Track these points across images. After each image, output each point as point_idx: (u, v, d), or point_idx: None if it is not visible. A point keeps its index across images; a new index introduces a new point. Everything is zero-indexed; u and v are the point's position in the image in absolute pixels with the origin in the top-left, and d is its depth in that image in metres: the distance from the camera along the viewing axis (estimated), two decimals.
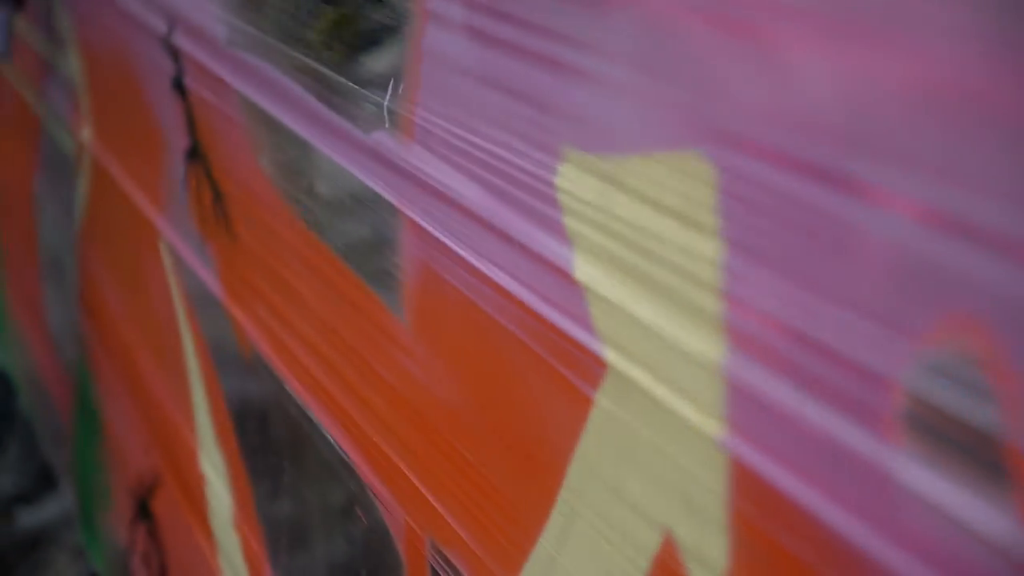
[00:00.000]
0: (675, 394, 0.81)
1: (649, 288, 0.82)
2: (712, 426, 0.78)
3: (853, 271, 0.66)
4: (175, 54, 1.70)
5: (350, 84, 1.23)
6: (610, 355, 0.87)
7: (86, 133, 2.34)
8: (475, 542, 1.11)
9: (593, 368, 0.89)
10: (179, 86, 1.70)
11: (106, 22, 2.06)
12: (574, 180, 0.88)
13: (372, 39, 1.19)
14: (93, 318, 2.47)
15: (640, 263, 0.82)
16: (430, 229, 1.09)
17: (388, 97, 1.14)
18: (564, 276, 0.91)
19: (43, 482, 3.71)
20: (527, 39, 0.91)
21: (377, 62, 1.22)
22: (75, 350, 2.68)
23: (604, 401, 0.88)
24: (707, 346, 0.77)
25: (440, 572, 1.18)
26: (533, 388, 0.98)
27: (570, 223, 0.89)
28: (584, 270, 0.89)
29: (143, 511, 2.28)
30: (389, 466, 1.27)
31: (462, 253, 1.04)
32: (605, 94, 0.84)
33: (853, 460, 0.67)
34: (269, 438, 1.65)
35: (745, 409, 0.75)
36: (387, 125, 1.14)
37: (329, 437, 1.41)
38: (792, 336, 0.71)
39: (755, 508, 0.75)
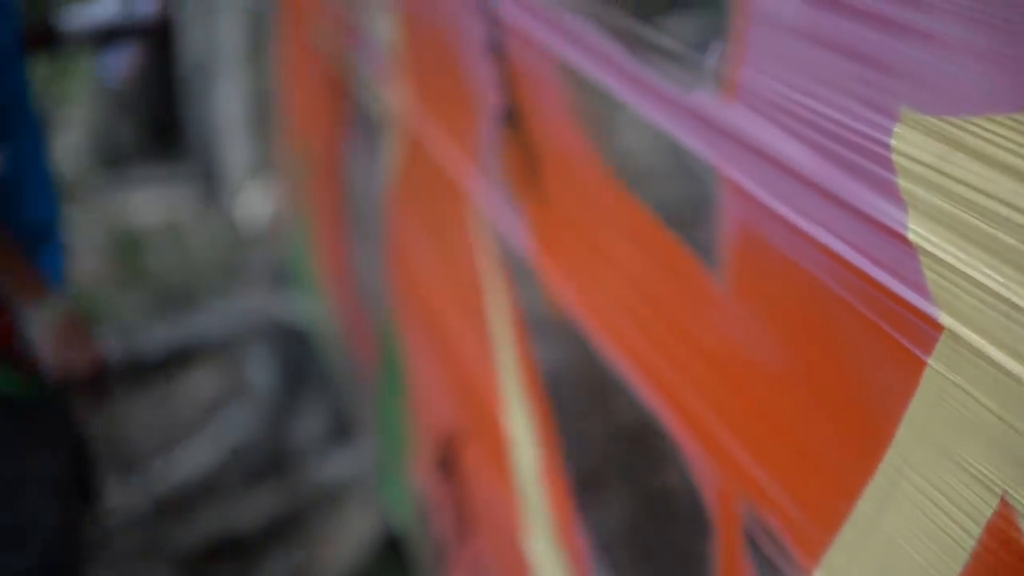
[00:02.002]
0: (1016, 360, 0.80)
1: (990, 252, 0.81)
2: None
3: None
4: (491, 17, 1.73)
5: (672, 44, 1.24)
6: (945, 319, 0.86)
7: (396, 97, 2.40)
8: (791, 503, 1.11)
9: (926, 332, 0.88)
10: (494, 49, 1.74)
11: None
12: (910, 141, 0.87)
13: (697, 1, 1.20)
14: (400, 277, 2.54)
15: (981, 226, 0.81)
16: (753, 190, 1.09)
17: (712, 57, 1.14)
18: (896, 238, 0.90)
19: (338, 436, 3.84)
20: (865, 0, 0.90)
21: (699, 22, 1.22)
22: (381, 308, 2.76)
23: (937, 365, 0.88)
24: None
25: (754, 532, 1.18)
26: (860, 351, 0.98)
27: (904, 184, 0.88)
28: (918, 232, 0.88)
29: (445, 465, 2.34)
30: (701, 426, 1.28)
31: (787, 214, 1.04)
32: (947, 54, 0.83)
33: None
34: (577, 396, 1.68)
35: None
36: (710, 85, 1.15)
37: (639, 396, 1.43)
38: None
39: None
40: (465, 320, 2.09)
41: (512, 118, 1.72)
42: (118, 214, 6.81)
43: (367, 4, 2.59)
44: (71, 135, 7.52)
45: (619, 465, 1.59)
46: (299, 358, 4.14)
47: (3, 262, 2.29)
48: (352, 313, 3.21)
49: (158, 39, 8.91)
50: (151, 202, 7.13)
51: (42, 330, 2.30)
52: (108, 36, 2.77)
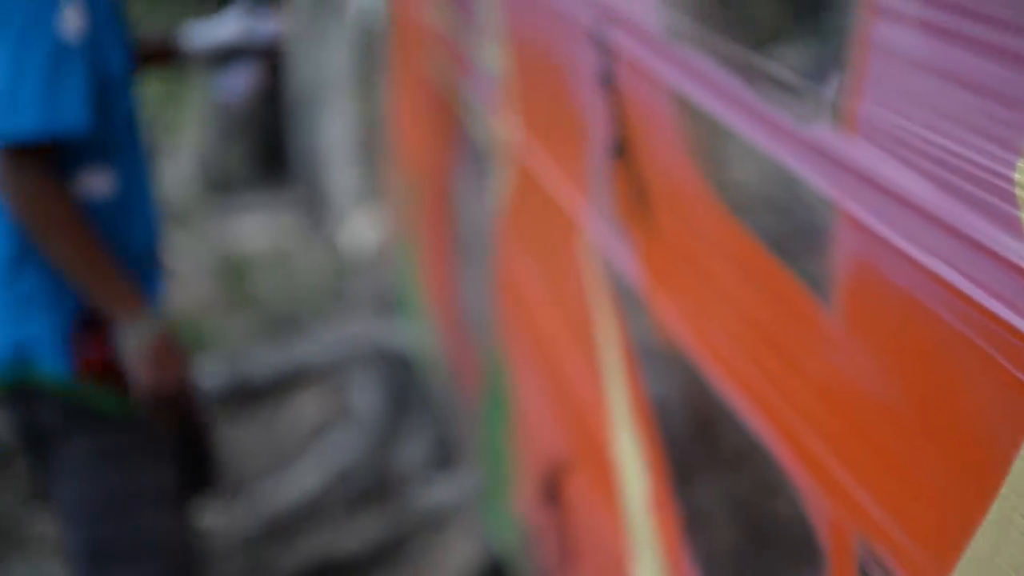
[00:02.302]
0: None
1: None
2: None
3: None
4: (603, 47, 1.74)
5: (787, 74, 1.24)
6: None
7: (505, 126, 2.42)
8: (906, 538, 1.11)
9: None
10: (606, 79, 1.75)
11: (535, 17, 2.13)
12: None
13: (813, 32, 1.20)
14: (508, 305, 2.56)
15: None
16: (870, 222, 1.09)
17: (830, 88, 1.15)
18: (1017, 272, 0.90)
19: (441, 462, 3.86)
20: (987, 33, 0.90)
21: (816, 53, 1.22)
22: (487, 335, 2.78)
23: None
24: None
25: (867, 566, 1.18)
26: (976, 385, 0.97)
27: None
28: None
29: (551, 493, 2.35)
30: (813, 458, 1.28)
31: (905, 248, 1.04)
32: None
33: None
34: (686, 425, 1.68)
35: None
36: (827, 117, 1.15)
37: (749, 427, 1.43)
38: None
39: None
40: (574, 348, 2.10)
41: (623, 148, 1.72)
42: (225, 239, 6.90)
43: (477, 34, 2.61)
44: (180, 161, 7.64)
45: (729, 496, 1.59)
46: (403, 384, 4.17)
47: (102, 280, 2.34)
48: (458, 340, 3.23)
49: (270, 63, 9.00)
50: (258, 228, 7.21)
51: (134, 348, 2.35)
52: (228, 55, 2.79)
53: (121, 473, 2.44)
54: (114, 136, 2.43)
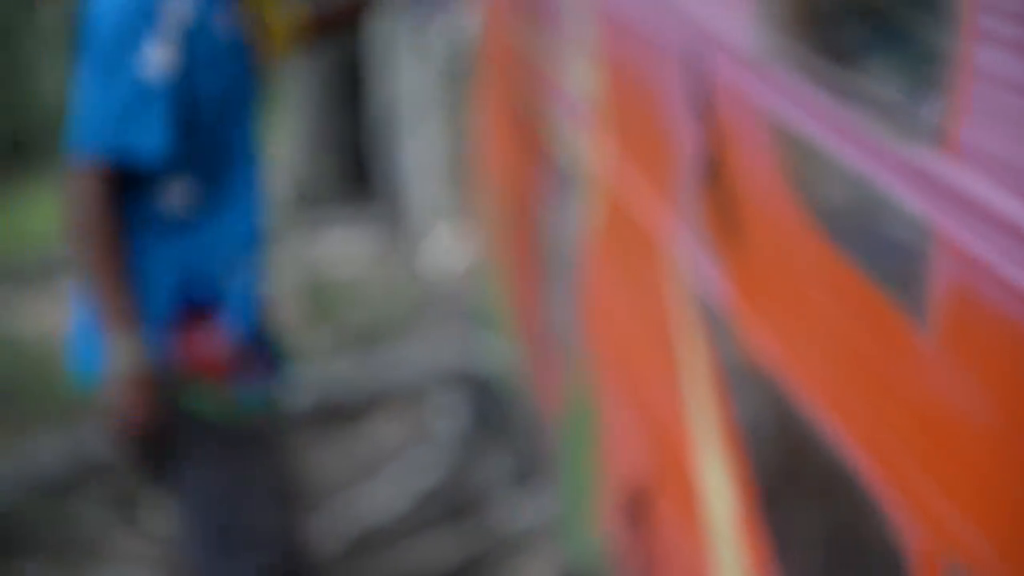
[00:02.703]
0: None
1: None
2: None
3: None
4: (695, 70, 1.74)
5: (887, 97, 1.24)
6: None
7: (594, 146, 2.43)
8: (1003, 566, 1.09)
9: None
10: (698, 101, 1.75)
11: (625, 40, 2.14)
12: None
13: (914, 54, 1.20)
14: (594, 326, 2.56)
15: None
16: (971, 246, 1.09)
17: (930, 111, 1.14)
18: None
19: (523, 483, 3.86)
20: None
21: (917, 76, 1.22)
22: (572, 356, 2.78)
23: None
24: None
25: None
26: None
27: None
28: None
29: (634, 515, 2.34)
30: (906, 483, 1.27)
31: (1006, 272, 1.03)
32: None
33: None
34: (776, 448, 1.67)
35: None
36: (927, 139, 1.15)
37: (840, 450, 1.42)
38: None
39: None
40: (661, 370, 2.09)
41: (715, 170, 1.72)
42: (309, 255, 6.94)
43: (567, 55, 2.62)
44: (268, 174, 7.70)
45: (818, 520, 1.58)
46: (486, 404, 4.17)
47: (105, 293, 2.49)
48: (541, 361, 3.24)
49: (351, 80, 9.05)
50: (341, 244, 7.26)
51: (113, 369, 2.48)
52: None
53: (231, 469, 2.57)
54: (203, 156, 2.54)
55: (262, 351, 2.70)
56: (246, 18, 2.66)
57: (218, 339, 2.59)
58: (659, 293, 2.05)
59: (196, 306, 2.60)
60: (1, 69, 21.41)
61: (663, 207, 2.00)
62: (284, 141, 7.73)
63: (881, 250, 1.34)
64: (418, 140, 7.15)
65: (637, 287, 2.21)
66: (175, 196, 2.56)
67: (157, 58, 2.46)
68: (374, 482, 4.12)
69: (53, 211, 10.25)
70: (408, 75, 7.14)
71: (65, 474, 4.25)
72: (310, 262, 6.71)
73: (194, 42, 2.51)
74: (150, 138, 2.46)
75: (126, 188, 2.53)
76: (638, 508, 2.31)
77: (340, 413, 4.61)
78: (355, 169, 9.25)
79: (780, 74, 1.48)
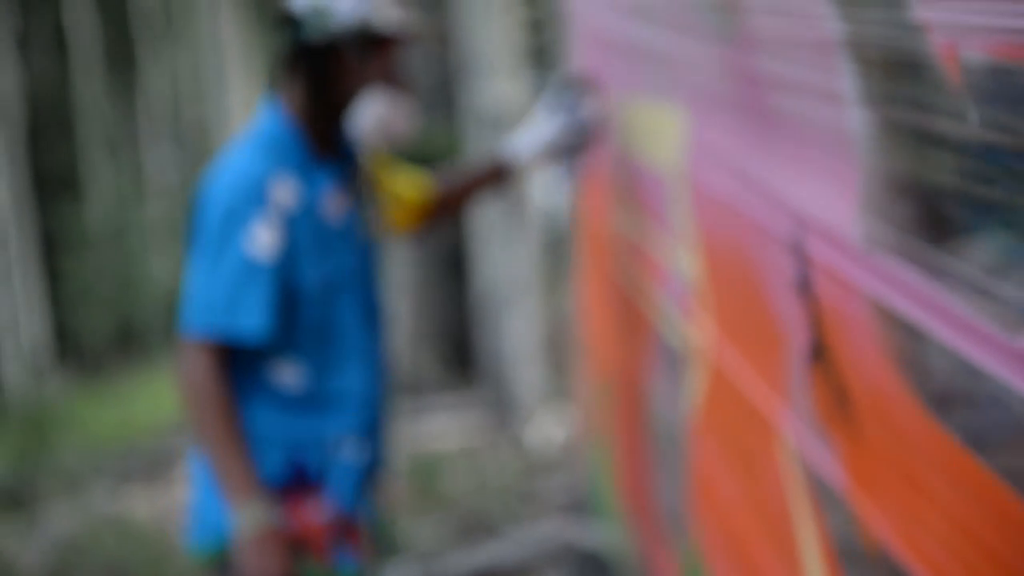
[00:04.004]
0: None
1: None
2: None
3: None
4: (800, 255, 1.77)
5: (990, 283, 1.26)
6: None
7: (698, 328, 2.45)
8: None
9: None
10: (803, 286, 1.78)
11: (728, 224, 2.18)
12: None
13: (1016, 237, 1.22)
14: (704, 506, 2.56)
15: None
16: None
17: None
18: None
19: None
20: None
21: (1019, 261, 1.24)
22: (683, 537, 2.78)
23: None
24: None
25: None
26: None
27: None
28: None
29: None
30: None
31: None
32: None
33: None
34: None
35: None
36: None
37: None
38: None
39: None
40: (774, 551, 2.09)
41: (821, 353, 1.75)
42: (415, 440, 6.98)
43: (669, 238, 2.67)
44: None
45: None
46: None
47: (223, 461, 2.56)
48: (652, 541, 3.23)
49: (451, 263, 9.17)
50: (447, 428, 7.30)
51: (240, 535, 2.53)
52: (557, 152, 3.01)
53: None
54: (311, 337, 2.63)
55: (366, 527, 2.76)
56: (363, 195, 2.77)
57: (323, 512, 2.66)
58: (769, 473, 2.06)
59: (303, 477, 2.66)
60: (114, 265, 21.94)
61: (770, 387, 2.02)
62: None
63: (990, 430, 1.34)
64: (519, 321, 7.22)
65: (746, 467, 2.22)
66: (286, 373, 2.65)
67: (262, 241, 2.55)
68: None
69: (162, 401, 10.43)
70: (509, 255, 7.23)
71: None
72: (417, 446, 6.76)
73: (299, 226, 2.62)
74: (253, 318, 2.56)
75: (239, 362, 2.63)
76: None
77: None
78: (458, 354, 9.34)
79: (882, 260, 1.51)
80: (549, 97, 3.08)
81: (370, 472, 2.79)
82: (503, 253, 7.21)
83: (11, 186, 20.51)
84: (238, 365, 2.63)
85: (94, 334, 21.78)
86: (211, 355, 2.57)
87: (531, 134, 3.02)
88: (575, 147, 3.03)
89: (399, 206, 2.95)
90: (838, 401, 1.71)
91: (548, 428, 6.89)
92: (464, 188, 3.07)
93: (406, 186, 2.98)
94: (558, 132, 3.00)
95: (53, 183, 23.02)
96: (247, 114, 14.30)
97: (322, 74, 2.65)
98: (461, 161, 6.85)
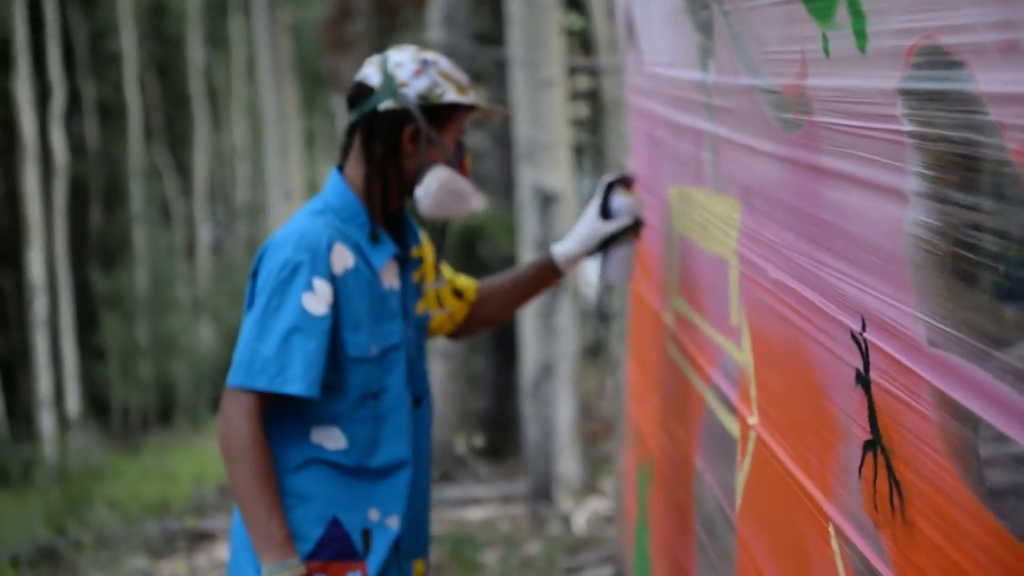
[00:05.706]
0: None
1: None
2: None
3: None
4: (864, 349, 1.78)
5: None
6: None
7: (750, 415, 2.46)
8: None
9: None
10: (863, 379, 1.79)
11: (784, 313, 2.19)
12: None
13: None
14: None
15: None
16: None
17: None
18: None
19: None
20: None
21: None
22: None
23: None
24: None
25: None
26: None
27: None
28: None
29: None
30: None
31: None
32: None
33: None
34: None
35: None
36: None
37: None
38: None
39: None
40: None
41: (877, 446, 1.75)
42: (455, 526, 6.98)
43: (720, 326, 2.68)
44: None
45: None
46: None
47: (256, 517, 2.56)
48: None
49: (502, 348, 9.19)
50: (487, 515, 7.29)
51: None
52: (603, 245, 3.08)
53: None
54: (356, 406, 2.64)
55: None
56: (419, 272, 2.81)
57: None
58: (821, 567, 2.05)
59: (347, 547, 2.66)
60: (156, 340, 22.06)
61: (823, 480, 2.02)
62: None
63: None
64: (561, 406, 7.23)
65: (796, 560, 2.21)
66: (335, 441, 2.65)
67: (318, 295, 2.58)
68: None
69: (204, 470, 10.42)
70: (552, 338, 7.25)
71: None
72: (457, 533, 6.75)
73: (355, 291, 2.64)
74: (300, 368, 2.56)
75: (285, 428, 2.65)
76: None
77: None
78: (498, 439, 9.36)
79: (944, 355, 1.52)
80: (595, 196, 3.12)
81: (411, 549, 2.79)
82: (546, 333, 7.25)
83: (57, 254, 20.71)
84: (288, 427, 2.65)
85: (135, 406, 21.92)
86: (253, 405, 2.57)
87: (576, 234, 3.07)
88: (617, 243, 3.07)
89: (452, 296, 3.00)
90: (890, 494, 1.71)
91: (591, 514, 6.89)
92: (515, 288, 3.12)
93: (461, 279, 3.04)
94: (601, 231, 3.04)
95: (99, 251, 23.24)
96: (300, 190, 14.44)
97: (391, 145, 2.70)
98: (515, 242, 6.99)
